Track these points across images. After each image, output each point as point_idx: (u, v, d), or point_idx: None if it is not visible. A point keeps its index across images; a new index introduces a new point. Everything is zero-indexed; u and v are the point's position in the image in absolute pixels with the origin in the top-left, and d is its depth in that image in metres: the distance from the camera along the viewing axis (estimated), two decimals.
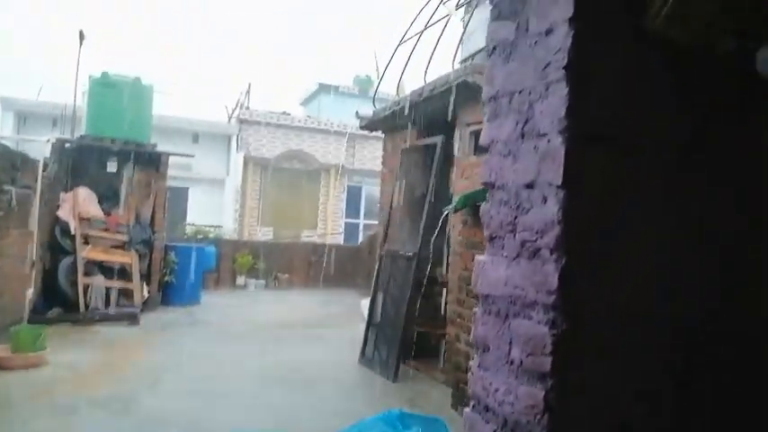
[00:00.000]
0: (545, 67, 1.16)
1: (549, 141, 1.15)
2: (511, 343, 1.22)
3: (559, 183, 1.11)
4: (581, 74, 1.12)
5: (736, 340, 1.35)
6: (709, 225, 1.29)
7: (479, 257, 1.36)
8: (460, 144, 6.07)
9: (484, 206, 1.35)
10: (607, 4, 1.15)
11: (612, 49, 1.16)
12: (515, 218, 1.24)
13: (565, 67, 1.11)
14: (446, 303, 6.33)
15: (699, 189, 1.29)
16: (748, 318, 1.37)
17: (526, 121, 1.22)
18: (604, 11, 1.15)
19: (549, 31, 1.16)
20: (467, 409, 1.34)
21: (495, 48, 1.34)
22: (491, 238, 1.32)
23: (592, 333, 1.15)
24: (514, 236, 1.24)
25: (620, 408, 1.20)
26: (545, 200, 1.15)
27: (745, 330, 1.36)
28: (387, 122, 8.08)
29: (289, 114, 18.14)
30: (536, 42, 1.20)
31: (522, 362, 1.19)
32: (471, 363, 1.36)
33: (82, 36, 8.99)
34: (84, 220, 8.92)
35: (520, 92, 1.24)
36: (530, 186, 1.20)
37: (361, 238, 16.81)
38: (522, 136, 1.23)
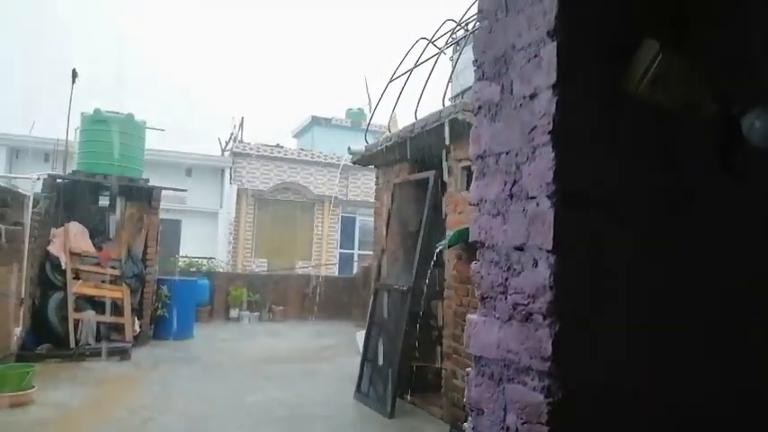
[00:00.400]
0: (531, 131, 1.16)
1: (537, 205, 1.14)
2: (506, 409, 1.19)
3: (550, 247, 1.10)
4: (567, 138, 1.11)
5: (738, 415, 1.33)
6: (697, 286, 1.28)
7: (471, 317, 1.34)
8: (452, 179, 6.10)
9: (474, 265, 1.34)
10: (590, 70, 1.15)
11: (597, 113, 1.16)
12: (506, 279, 1.22)
13: (550, 132, 1.11)
14: (442, 337, 6.27)
15: (686, 249, 1.28)
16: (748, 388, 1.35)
17: (514, 183, 1.21)
18: (588, 76, 1.15)
19: (533, 96, 1.16)
20: None
21: (480, 107, 1.34)
22: (483, 298, 1.30)
23: (588, 403, 1.12)
24: (506, 298, 1.22)
25: None
26: (536, 263, 1.14)
27: (747, 407, 1.34)
28: (379, 158, 8.11)
29: (282, 147, 18.26)
30: (521, 105, 1.20)
31: (518, 429, 1.15)
32: (466, 425, 1.33)
33: (75, 74, 9.11)
34: (75, 255, 8.84)
35: (507, 152, 1.24)
36: (520, 249, 1.18)
37: (355, 269, 16.75)
38: (511, 197, 1.22)
